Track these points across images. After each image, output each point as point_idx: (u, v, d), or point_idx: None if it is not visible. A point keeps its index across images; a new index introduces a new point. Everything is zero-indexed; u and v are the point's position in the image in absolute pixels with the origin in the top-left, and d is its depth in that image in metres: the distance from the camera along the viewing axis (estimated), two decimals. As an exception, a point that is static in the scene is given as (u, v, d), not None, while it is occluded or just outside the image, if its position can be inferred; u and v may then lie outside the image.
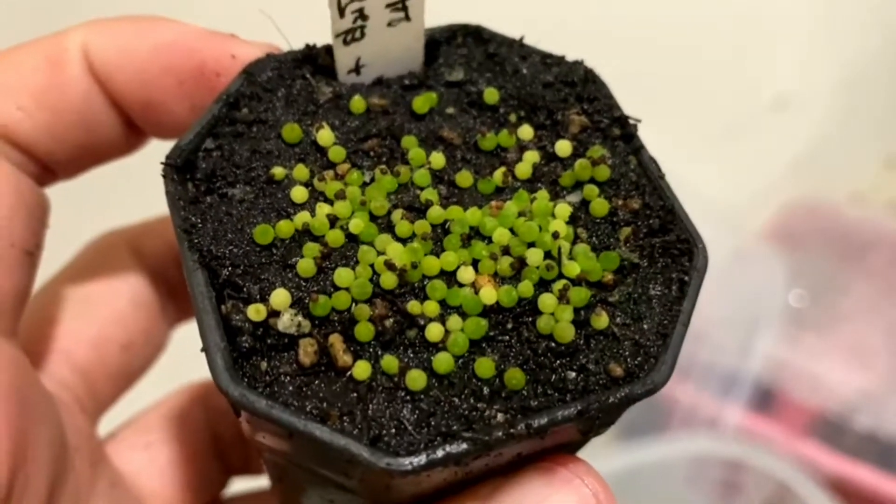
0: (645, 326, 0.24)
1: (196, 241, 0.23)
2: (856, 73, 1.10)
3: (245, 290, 0.23)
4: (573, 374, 0.22)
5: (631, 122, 0.27)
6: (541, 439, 0.22)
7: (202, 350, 0.21)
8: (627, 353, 0.23)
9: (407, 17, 0.27)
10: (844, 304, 1.00)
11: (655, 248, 0.25)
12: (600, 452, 0.74)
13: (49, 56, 0.27)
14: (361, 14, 0.26)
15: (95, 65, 0.27)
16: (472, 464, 0.22)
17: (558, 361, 0.23)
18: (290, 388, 0.22)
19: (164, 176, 0.24)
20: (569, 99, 0.28)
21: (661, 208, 0.26)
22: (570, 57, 0.29)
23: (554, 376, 0.22)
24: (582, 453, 0.26)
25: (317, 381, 0.22)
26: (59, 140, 0.28)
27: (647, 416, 0.87)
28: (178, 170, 0.24)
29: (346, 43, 0.27)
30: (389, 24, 0.27)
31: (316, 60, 0.27)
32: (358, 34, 0.27)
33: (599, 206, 0.25)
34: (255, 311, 0.22)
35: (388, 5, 0.26)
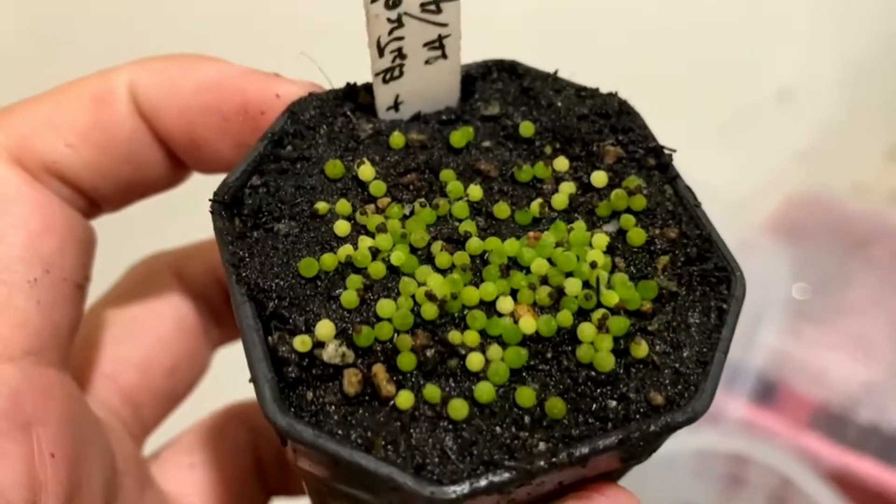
0: (685, 354, 0.24)
1: (244, 274, 0.24)
2: (861, 66, 1.11)
3: (291, 321, 0.23)
4: (614, 403, 0.23)
5: (666, 152, 0.28)
6: (582, 468, 0.22)
7: (250, 381, 0.22)
8: (667, 381, 0.23)
9: (444, 55, 0.28)
10: (848, 297, 1.01)
11: (693, 277, 0.25)
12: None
13: (96, 95, 0.28)
14: (400, 53, 0.27)
15: (141, 103, 0.28)
16: (514, 492, 0.22)
17: (599, 390, 0.23)
18: (336, 417, 0.22)
19: (212, 212, 0.25)
20: (603, 130, 0.28)
21: (699, 237, 0.26)
22: (604, 88, 0.29)
23: (595, 405, 0.23)
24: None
25: (361, 411, 0.22)
26: (106, 175, 0.29)
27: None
28: (225, 206, 0.25)
29: (385, 81, 0.28)
30: (427, 63, 0.28)
31: (356, 98, 0.28)
32: (397, 72, 0.27)
33: (636, 236, 0.26)
34: (301, 343, 0.23)
35: (426, 44, 0.27)
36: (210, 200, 0.25)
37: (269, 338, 0.23)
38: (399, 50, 0.27)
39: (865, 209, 1.14)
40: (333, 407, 0.22)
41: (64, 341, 0.27)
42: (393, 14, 0.26)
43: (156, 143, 0.29)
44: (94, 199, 0.29)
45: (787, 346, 0.92)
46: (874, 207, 1.16)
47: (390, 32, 0.26)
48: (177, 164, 0.30)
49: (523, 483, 0.21)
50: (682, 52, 0.86)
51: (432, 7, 0.26)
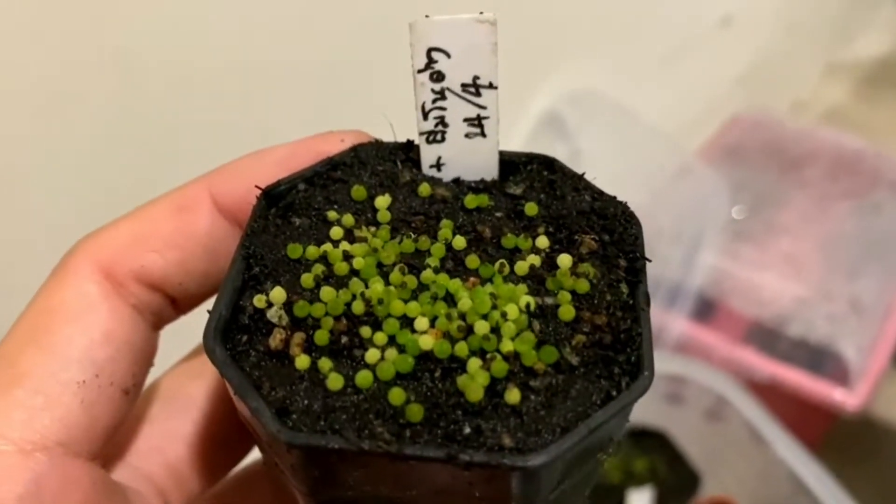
0: (551, 417, 0.26)
1: (248, 243, 0.30)
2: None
3: (262, 285, 0.29)
4: (468, 430, 0.25)
5: (641, 261, 0.30)
6: (409, 470, 0.25)
7: (209, 311, 0.28)
8: (524, 431, 0.25)
9: (483, 134, 0.33)
10: (781, 216, 1.09)
11: (599, 361, 0.27)
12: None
13: (177, 204, 0.32)
14: (443, 121, 0.33)
15: (223, 203, 0.32)
16: (353, 475, 0.25)
17: (461, 415, 0.26)
18: (252, 358, 0.27)
19: (257, 198, 0.32)
20: (595, 226, 0.31)
21: (625, 332, 0.28)
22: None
23: (450, 424, 0.25)
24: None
25: (271, 361, 0.27)
26: (190, 271, 0.32)
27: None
28: (269, 198, 0.32)
29: (428, 142, 0.33)
30: (467, 136, 0.33)
31: (409, 152, 0.34)
32: (439, 137, 0.33)
33: (566, 312, 0.28)
34: (258, 300, 0.29)
35: (466, 119, 0.33)
36: (260, 189, 0.32)
37: (244, 295, 0.29)
38: (442, 118, 0.33)
39: (800, 129, 1.19)
40: (254, 352, 0.28)
41: (98, 436, 0.29)
42: (437, 86, 0.32)
43: (235, 234, 0.32)
44: (177, 297, 0.33)
45: (725, 266, 1.01)
46: (809, 127, 1.20)
47: (434, 101, 0.32)
48: None
49: (353, 461, 0.25)
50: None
51: (472, 90, 0.32)
